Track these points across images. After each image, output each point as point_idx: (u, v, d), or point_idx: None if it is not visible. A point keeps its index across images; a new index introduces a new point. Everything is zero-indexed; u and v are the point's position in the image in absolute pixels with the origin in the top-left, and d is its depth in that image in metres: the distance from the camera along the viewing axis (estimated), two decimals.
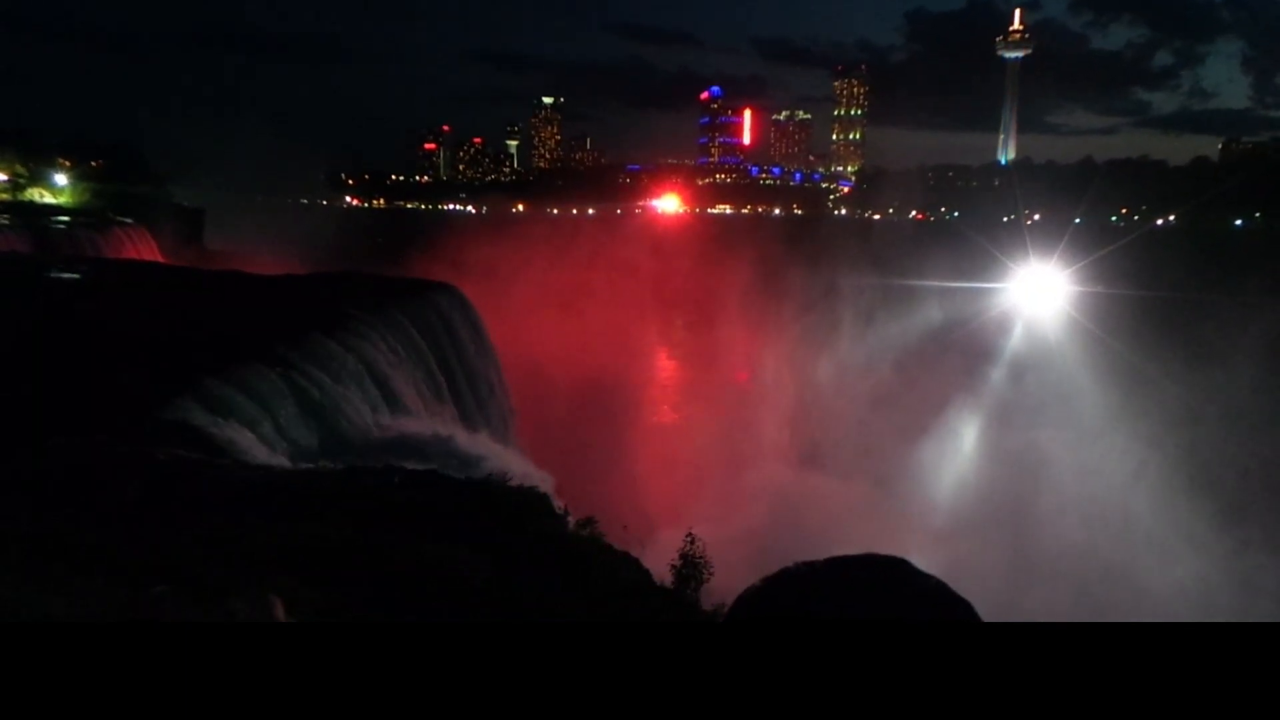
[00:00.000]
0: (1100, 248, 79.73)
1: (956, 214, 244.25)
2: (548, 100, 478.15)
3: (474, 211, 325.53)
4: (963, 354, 64.34)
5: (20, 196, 78.90)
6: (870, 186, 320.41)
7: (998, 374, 62.43)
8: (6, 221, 58.18)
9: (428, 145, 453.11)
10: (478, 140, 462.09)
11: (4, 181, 79.75)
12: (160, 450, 15.63)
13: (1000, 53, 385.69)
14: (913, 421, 55.74)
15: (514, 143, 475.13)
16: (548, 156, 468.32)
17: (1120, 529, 42.17)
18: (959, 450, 54.04)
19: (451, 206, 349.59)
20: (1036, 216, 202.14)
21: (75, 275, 39.51)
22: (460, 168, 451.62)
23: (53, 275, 38.73)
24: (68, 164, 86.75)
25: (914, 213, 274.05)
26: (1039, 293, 67.30)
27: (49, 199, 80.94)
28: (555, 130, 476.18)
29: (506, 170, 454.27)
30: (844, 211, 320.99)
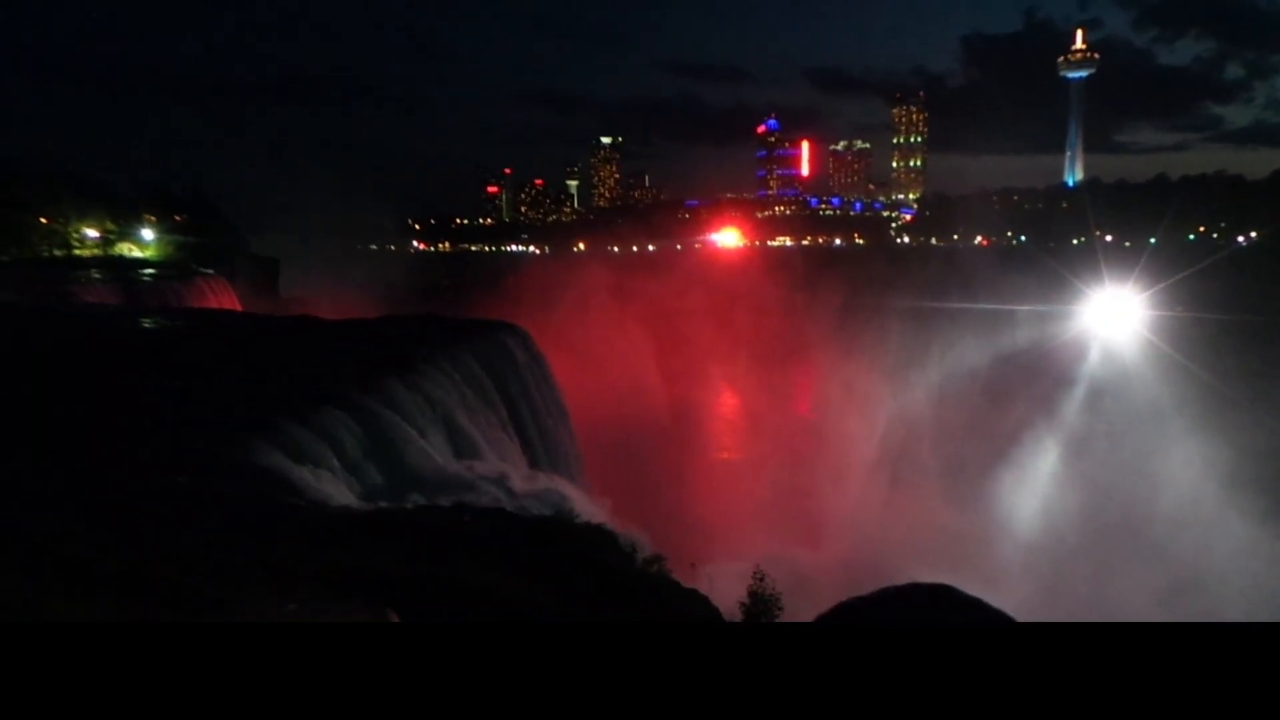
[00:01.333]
0: (1178, 268, 77.13)
1: (1024, 238, 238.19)
2: (606, 140, 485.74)
3: (536, 251, 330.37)
4: (1038, 378, 62.69)
5: (110, 251, 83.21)
6: (933, 213, 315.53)
7: (1075, 398, 60.62)
8: (99, 276, 61.42)
9: (490, 188, 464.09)
10: (539, 182, 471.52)
11: (96, 238, 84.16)
12: (238, 488, 16.16)
13: (1063, 73, 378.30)
14: (988, 447, 54.41)
15: (574, 183, 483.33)
16: (607, 195, 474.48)
17: (1203, 553, 40.29)
18: (1037, 475, 52.44)
19: (514, 247, 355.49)
20: (1109, 238, 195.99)
21: (159, 324, 41.35)
22: (522, 209, 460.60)
23: (139, 325, 40.59)
24: (153, 219, 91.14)
25: (979, 238, 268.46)
26: (1114, 316, 65.31)
27: (136, 253, 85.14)
28: (614, 169, 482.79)
29: (567, 210, 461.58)
30: (907, 239, 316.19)
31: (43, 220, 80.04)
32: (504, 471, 29.57)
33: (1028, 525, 47.91)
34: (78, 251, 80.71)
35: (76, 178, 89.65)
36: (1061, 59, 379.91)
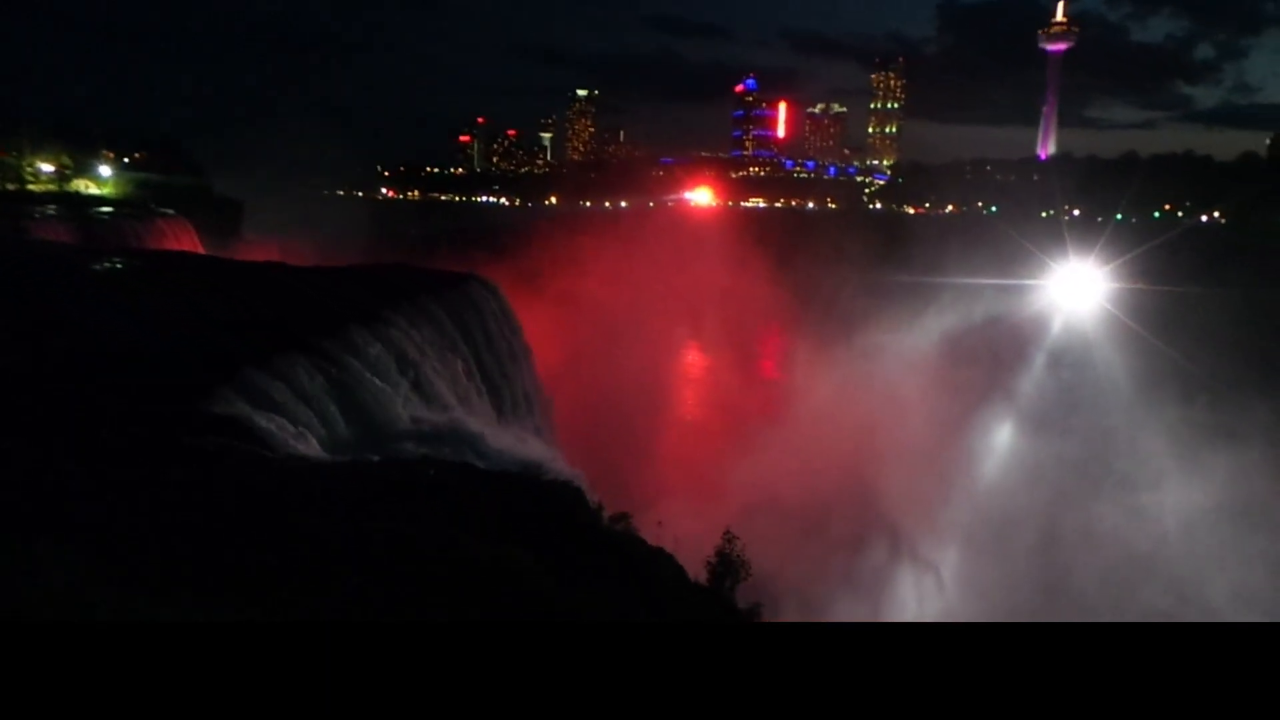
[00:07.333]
0: (1142, 244, 78.21)
1: (995, 209, 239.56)
2: (582, 93, 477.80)
3: (507, 203, 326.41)
4: (998, 351, 63.59)
5: (66, 188, 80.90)
6: (907, 180, 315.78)
7: (1033, 372, 61.64)
8: (53, 212, 59.61)
9: (462, 138, 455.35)
10: (512, 132, 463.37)
11: (51, 173, 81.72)
12: (207, 441, 15.87)
13: (1042, 45, 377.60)
14: (943, 417, 55.16)
15: (548, 135, 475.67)
16: (581, 149, 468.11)
17: (1160, 531, 41.43)
18: (987, 451, 53.39)
19: (485, 198, 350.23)
20: (1076, 212, 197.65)
21: (117, 265, 40.22)
22: (494, 160, 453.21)
23: (96, 266, 39.45)
24: (111, 156, 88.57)
25: (950, 206, 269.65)
26: (1078, 289, 66.28)
27: (94, 190, 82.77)
28: (589, 123, 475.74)
29: (540, 163, 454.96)
30: (879, 206, 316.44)
31: None
32: (471, 425, 29.42)
33: (983, 491, 48.91)
34: (31, 186, 78.31)
35: (33, 111, 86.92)
36: (1042, 31, 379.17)
